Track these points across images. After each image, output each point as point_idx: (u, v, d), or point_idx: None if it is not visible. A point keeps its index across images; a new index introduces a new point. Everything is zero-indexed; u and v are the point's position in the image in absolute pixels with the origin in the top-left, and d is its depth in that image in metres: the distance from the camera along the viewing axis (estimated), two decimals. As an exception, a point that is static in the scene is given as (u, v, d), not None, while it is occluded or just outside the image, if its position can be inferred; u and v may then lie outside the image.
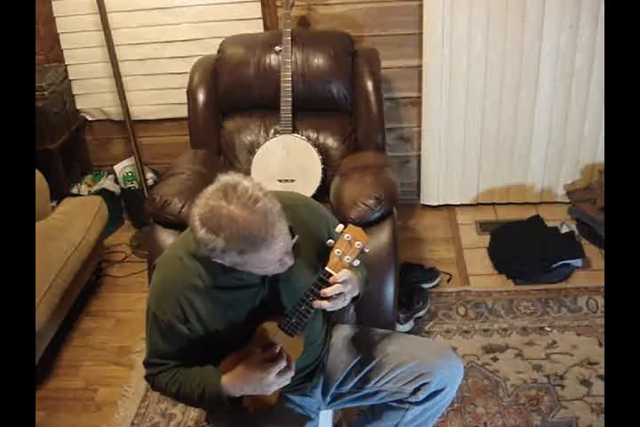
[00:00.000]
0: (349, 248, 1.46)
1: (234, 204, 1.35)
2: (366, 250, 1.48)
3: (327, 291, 1.49)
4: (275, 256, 1.43)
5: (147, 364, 1.68)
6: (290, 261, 1.49)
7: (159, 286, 1.60)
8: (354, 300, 1.65)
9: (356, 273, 1.60)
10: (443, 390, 1.72)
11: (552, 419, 2.21)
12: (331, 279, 1.48)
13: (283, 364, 1.54)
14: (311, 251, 1.59)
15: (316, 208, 1.72)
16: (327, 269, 1.48)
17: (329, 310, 1.54)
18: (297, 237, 1.48)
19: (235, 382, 1.55)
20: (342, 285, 1.50)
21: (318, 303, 1.50)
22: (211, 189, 1.40)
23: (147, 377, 1.69)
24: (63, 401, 2.46)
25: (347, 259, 1.46)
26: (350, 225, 1.48)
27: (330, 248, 1.48)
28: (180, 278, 1.56)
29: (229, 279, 1.55)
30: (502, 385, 2.35)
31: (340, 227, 1.48)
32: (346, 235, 1.45)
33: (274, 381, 1.54)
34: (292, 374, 1.57)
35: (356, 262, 1.48)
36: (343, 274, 1.49)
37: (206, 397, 1.57)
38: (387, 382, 1.74)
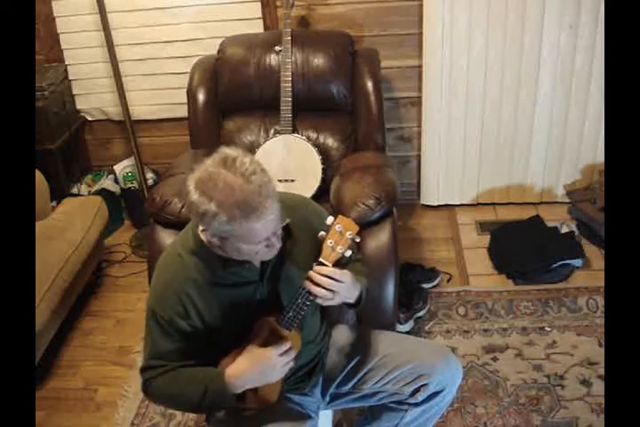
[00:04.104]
0: (341, 238, 1.49)
1: (231, 172, 1.38)
2: (357, 239, 1.50)
3: (316, 274, 1.49)
4: (263, 232, 1.42)
5: (145, 368, 1.63)
6: (277, 244, 1.49)
7: (159, 284, 1.60)
8: (353, 306, 1.66)
9: (359, 280, 1.62)
10: (442, 391, 1.71)
11: (552, 419, 2.21)
12: (323, 269, 1.49)
13: (286, 344, 1.55)
14: (310, 251, 1.59)
15: (316, 209, 1.73)
16: (321, 259, 1.50)
17: (319, 302, 1.53)
18: (287, 220, 1.51)
19: (238, 371, 1.54)
20: (333, 277, 1.49)
21: (309, 286, 1.50)
22: (211, 158, 1.43)
23: (144, 383, 1.63)
24: (63, 401, 2.46)
25: (339, 249, 1.49)
26: (340, 216, 1.50)
27: (322, 240, 1.50)
28: (180, 275, 1.56)
29: (228, 275, 1.55)
30: (502, 385, 2.35)
31: (330, 219, 1.50)
32: (337, 226, 1.48)
33: (278, 360, 1.53)
34: (294, 354, 1.57)
35: (348, 253, 1.50)
36: (341, 273, 1.51)
37: (208, 395, 1.55)
38: (386, 383, 1.74)
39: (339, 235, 1.48)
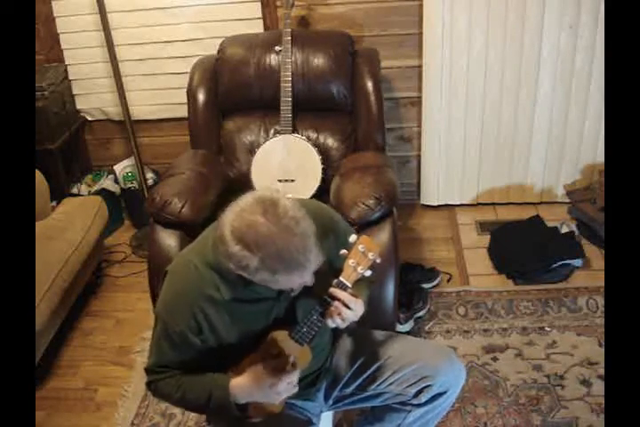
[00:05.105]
0: (363, 259, 1.47)
1: (274, 223, 1.32)
2: (378, 261, 1.49)
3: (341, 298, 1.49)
4: (302, 279, 1.42)
5: (150, 371, 1.63)
6: (310, 282, 1.47)
7: (172, 295, 1.56)
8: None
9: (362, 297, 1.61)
10: (445, 392, 1.71)
11: (552, 419, 2.21)
12: (343, 295, 1.49)
13: (295, 375, 1.54)
14: (327, 266, 1.56)
15: (331, 219, 1.69)
16: (342, 279, 1.49)
17: (329, 324, 1.53)
18: (322, 259, 1.45)
19: (244, 386, 1.54)
20: (348, 305, 1.50)
21: (330, 313, 1.50)
22: (247, 200, 1.36)
23: (148, 383, 1.64)
24: (63, 401, 2.46)
25: (360, 269, 1.47)
26: (363, 235, 1.49)
27: (343, 258, 1.48)
28: (196, 288, 1.52)
29: (246, 292, 1.52)
30: (502, 385, 2.35)
31: (353, 237, 1.48)
32: (360, 246, 1.47)
33: (284, 389, 1.53)
34: (296, 389, 1.57)
35: (368, 273, 1.49)
36: (356, 302, 1.51)
37: (212, 401, 1.55)
38: (389, 385, 1.74)
39: (361, 255, 1.47)
